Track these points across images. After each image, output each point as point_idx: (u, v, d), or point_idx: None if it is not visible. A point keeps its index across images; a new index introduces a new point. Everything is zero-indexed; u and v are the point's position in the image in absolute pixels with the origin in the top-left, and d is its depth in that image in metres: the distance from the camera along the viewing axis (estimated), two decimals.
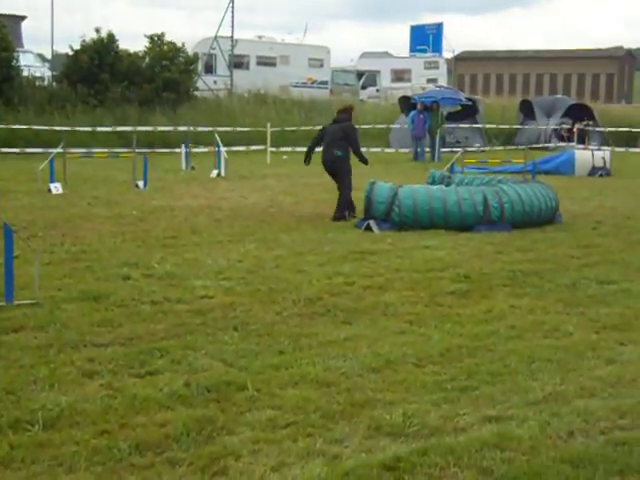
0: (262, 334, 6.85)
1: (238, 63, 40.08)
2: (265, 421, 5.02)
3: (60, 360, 6.04)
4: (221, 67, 39.25)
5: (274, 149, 27.90)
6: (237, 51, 39.23)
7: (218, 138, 22.50)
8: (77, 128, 26.71)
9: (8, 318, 7.07)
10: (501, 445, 4.66)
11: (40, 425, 4.83)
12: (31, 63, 34.05)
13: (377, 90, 46.63)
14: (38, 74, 32.98)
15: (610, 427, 4.95)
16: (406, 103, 31.99)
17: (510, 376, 5.87)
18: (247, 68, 41.13)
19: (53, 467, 4.38)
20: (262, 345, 6.56)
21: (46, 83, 32.75)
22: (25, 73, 31.70)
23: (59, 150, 18.40)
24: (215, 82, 37.91)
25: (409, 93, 36.02)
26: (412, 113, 28.97)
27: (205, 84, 36.60)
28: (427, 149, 28.60)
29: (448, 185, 13.97)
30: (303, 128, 31.81)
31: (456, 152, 23.66)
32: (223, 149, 21.81)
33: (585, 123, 33.68)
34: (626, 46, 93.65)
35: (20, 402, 5.20)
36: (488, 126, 33.79)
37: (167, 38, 33.64)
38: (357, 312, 7.62)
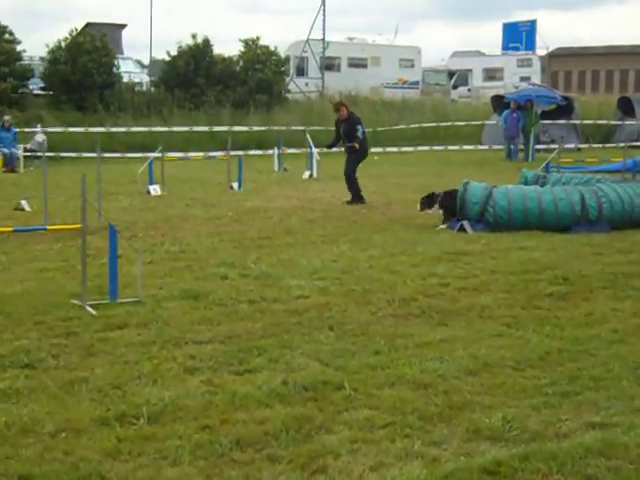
0: (357, 334, 6.88)
1: (329, 65, 40.28)
2: (363, 421, 5.04)
3: (162, 356, 6.19)
4: (312, 69, 39.51)
5: None
6: (328, 53, 39.44)
7: (310, 139, 22.64)
8: (174, 129, 27.25)
9: (113, 315, 7.29)
10: (606, 452, 4.54)
11: (145, 419, 4.97)
12: (130, 69, 34.90)
13: (468, 89, 46.18)
14: (137, 80, 33.81)
15: None
16: (499, 102, 31.62)
17: (614, 381, 5.73)
18: (338, 70, 41.27)
19: (158, 460, 4.49)
20: (358, 345, 6.58)
21: (144, 88, 33.54)
22: (125, 79, 32.55)
23: (157, 154, 18.82)
24: (307, 84, 38.19)
25: (501, 92, 35.57)
26: (505, 112, 28.62)
27: (297, 86, 36.89)
28: (521, 148, 28.21)
29: (543, 185, 13.75)
30: (394, 128, 31.82)
31: (551, 151, 23.27)
32: (315, 150, 21.93)
33: None
34: None
35: (125, 396, 5.36)
36: (584, 124, 33.11)
37: (261, 42, 34.10)
38: (452, 314, 7.57)
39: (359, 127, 16.44)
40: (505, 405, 5.29)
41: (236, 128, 28.32)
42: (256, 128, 28.93)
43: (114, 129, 27.77)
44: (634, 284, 8.75)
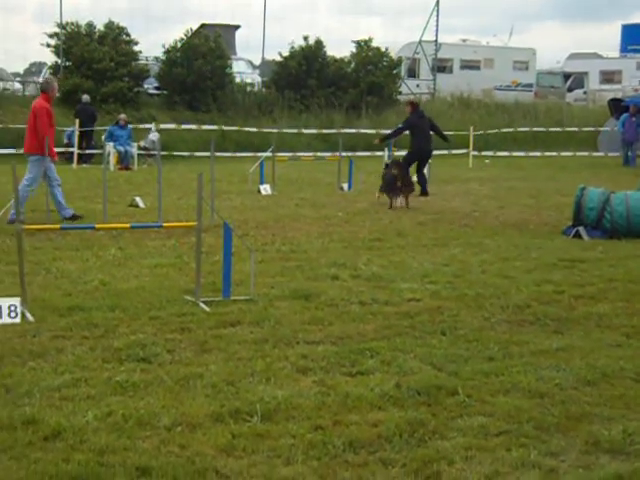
0: (470, 339, 6.78)
1: (441, 67, 39.98)
2: (477, 428, 4.96)
3: (275, 355, 6.24)
4: (424, 71, 39.29)
5: (476, 153, 27.62)
6: (441, 55, 39.13)
7: None
8: (285, 130, 27.54)
9: (226, 313, 7.40)
10: None
11: (259, 416, 5.01)
12: (243, 70, 35.40)
13: (584, 92, 45.09)
14: (249, 80, 34.28)
15: None
16: (616, 105, 30.78)
17: None
18: (450, 72, 40.91)
19: (271, 458, 4.52)
20: (471, 350, 6.49)
21: (256, 89, 33.98)
22: (237, 80, 33.04)
23: (268, 154, 19.04)
24: (418, 86, 37.99)
25: (619, 95, 34.60)
26: (623, 116, 27.86)
27: (408, 88, 36.74)
28: (639, 154, 27.39)
29: None
30: (505, 130, 31.34)
31: None
32: None
33: None
34: None
35: (239, 393, 5.41)
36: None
37: (373, 44, 34.11)
38: (569, 322, 7.39)
39: (401, 125, 17.72)
40: (625, 418, 5.12)
41: (346, 130, 28.41)
42: (365, 130, 28.93)
43: (226, 128, 28.22)
44: None
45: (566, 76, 45.88)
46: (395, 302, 7.99)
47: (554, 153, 29.86)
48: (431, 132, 17.29)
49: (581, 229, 11.94)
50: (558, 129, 32.32)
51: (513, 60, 42.87)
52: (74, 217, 12.88)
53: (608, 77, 47.04)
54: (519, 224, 13.29)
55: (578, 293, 8.44)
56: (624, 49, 52.51)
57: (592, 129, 32.04)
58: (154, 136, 26.25)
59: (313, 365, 6.02)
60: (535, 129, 32.07)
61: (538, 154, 29.72)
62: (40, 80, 22.80)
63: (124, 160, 25.12)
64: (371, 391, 5.50)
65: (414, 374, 5.88)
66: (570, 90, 44.85)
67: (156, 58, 33.61)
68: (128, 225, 10.81)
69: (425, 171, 17.63)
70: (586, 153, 29.84)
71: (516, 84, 41.98)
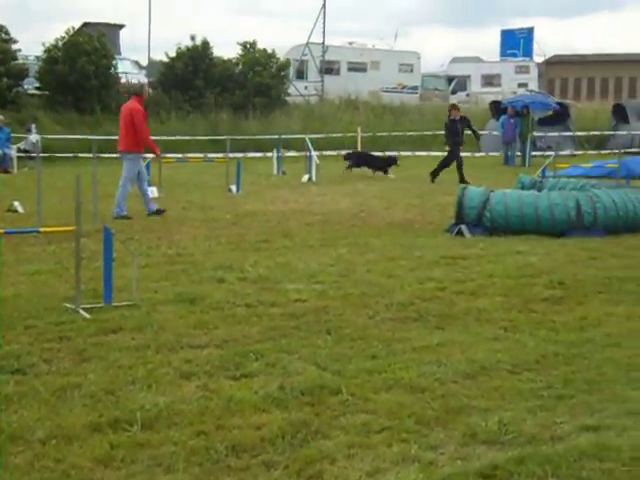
0: (355, 338, 6.86)
1: (329, 69, 40.34)
2: (359, 425, 5.02)
3: (157, 361, 6.16)
4: (312, 73, 39.56)
5: None
6: (328, 57, 39.50)
7: (309, 143, 22.67)
8: (172, 130, 27.23)
9: (107, 319, 7.26)
10: (600, 455, 4.55)
11: (139, 425, 4.93)
12: (128, 70, 34.89)
13: (467, 95, 46.22)
14: (135, 81, 33.79)
15: None
16: (497, 108, 31.66)
17: (607, 385, 5.73)
18: (338, 74, 41.32)
19: (152, 467, 4.45)
20: (355, 349, 6.56)
21: None
22: (123, 80, 32.54)
23: (154, 155, 18.76)
24: (306, 88, 38.25)
25: (499, 98, 35.61)
26: (502, 118, 28.69)
27: (296, 90, 36.91)
28: (518, 154, 28.23)
29: (539, 190, 13.75)
30: (394, 133, 31.81)
31: (547, 157, 23.28)
32: (314, 154, 21.96)
33: None
34: None
35: (119, 402, 5.32)
36: (579, 132, 33.13)
37: (259, 45, 34.15)
38: (450, 317, 7.56)
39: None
40: (501, 408, 5.27)
41: (235, 131, 28.32)
42: (254, 131, 28.93)
43: (109, 137, 27.70)
44: (628, 288, 8.75)
45: (449, 79, 46.99)
46: (281, 303, 8.01)
47: (439, 153, 30.41)
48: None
49: (463, 227, 12.24)
50: (443, 131, 32.91)
51: (399, 63, 43.62)
52: (159, 212, 14.03)
53: (489, 80, 48.41)
54: (404, 223, 13.52)
55: (459, 289, 8.64)
56: (504, 53, 54.15)
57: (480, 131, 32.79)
58: (34, 138, 25.55)
59: (197, 370, 5.97)
60: (423, 132, 32.59)
61: (424, 154, 30.24)
62: None
63: (3, 163, 24.38)
64: (255, 394, 5.50)
65: (298, 375, 5.91)
66: (454, 92, 45.95)
67: (37, 57, 32.72)
68: (1, 230, 10.48)
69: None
70: (469, 153, 30.50)
71: (402, 86, 42.71)
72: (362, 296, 8.28)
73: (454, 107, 22.08)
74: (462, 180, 19.37)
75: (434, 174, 20.93)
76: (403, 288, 8.66)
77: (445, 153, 21.47)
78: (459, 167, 20.50)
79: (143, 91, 14.18)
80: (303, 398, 5.45)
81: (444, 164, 21.04)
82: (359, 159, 23.45)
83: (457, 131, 20.82)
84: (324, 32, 38.50)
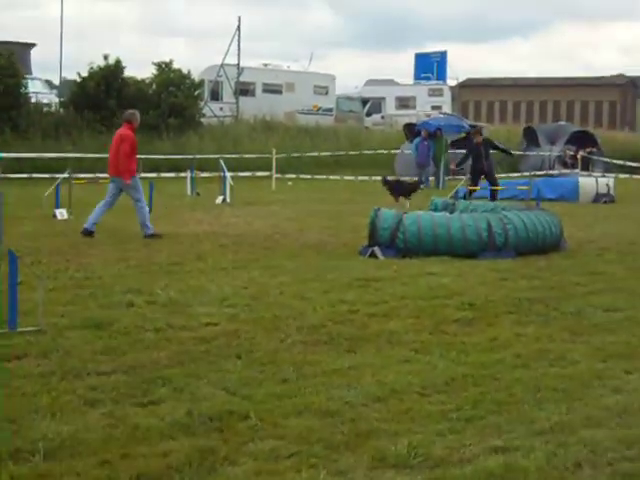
0: (265, 362, 6.80)
1: (244, 90, 40.34)
2: (268, 451, 4.96)
3: (62, 388, 5.98)
4: (227, 94, 39.50)
5: (280, 175, 27.97)
6: (243, 78, 39.50)
7: (223, 164, 22.58)
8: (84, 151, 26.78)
9: (11, 345, 7.03)
10: (507, 476, 4.58)
11: (41, 455, 4.76)
12: (39, 90, 34.26)
13: (382, 117, 46.79)
14: (46, 100, 33.23)
15: (617, 458, 4.87)
16: (411, 130, 32.09)
17: (516, 405, 5.80)
18: (253, 95, 41.37)
19: None
20: (265, 373, 6.50)
21: (53, 109, 32.96)
22: (33, 100, 31.92)
23: (65, 176, 18.46)
24: (221, 109, 38.14)
25: (414, 120, 36.12)
26: (416, 140, 29.08)
27: (211, 111, 36.78)
28: (431, 176, 28.62)
29: (452, 212, 13.94)
30: (308, 154, 31.92)
31: (460, 179, 23.68)
32: (228, 175, 21.88)
33: (589, 150, 33.74)
34: (627, 74, 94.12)
35: (21, 431, 5.14)
36: (493, 152, 33.75)
37: (174, 65, 33.94)
38: (361, 340, 7.56)
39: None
40: (411, 431, 5.28)
41: (148, 151, 27.98)
42: (168, 152, 28.66)
43: (23, 155, 27.10)
44: (537, 309, 8.91)
45: (364, 101, 47.49)
46: (191, 327, 7.90)
47: (354, 177, 30.64)
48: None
49: (376, 249, 12.30)
50: (357, 152, 33.25)
51: (313, 85, 43.92)
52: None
53: (403, 103, 49.16)
54: (318, 245, 13.53)
55: (371, 311, 8.66)
56: (418, 76, 55.07)
57: (390, 152, 33.17)
58: None
59: (102, 397, 5.82)
60: (336, 152, 32.79)
61: (338, 177, 30.40)
62: None
63: None
64: (162, 420, 5.38)
65: (207, 400, 5.81)
66: (369, 115, 46.45)
67: None
68: None
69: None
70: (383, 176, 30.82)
71: (317, 108, 42.99)
72: (274, 319, 8.23)
73: (478, 132, 22.20)
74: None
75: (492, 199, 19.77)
76: (315, 311, 8.64)
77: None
78: (470, 193, 20.42)
79: (134, 119, 14.63)
80: (211, 424, 5.36)
81: (492, 190, 20.52)
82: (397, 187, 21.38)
83: (480, 156, 20.51)
84: (239, 53, 38.50)
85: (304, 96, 42.69)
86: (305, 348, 7.28)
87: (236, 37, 38.25)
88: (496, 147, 21.81)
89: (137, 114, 14.94)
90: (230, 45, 38.39)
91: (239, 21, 38.17)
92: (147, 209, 14.71)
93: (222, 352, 7.07)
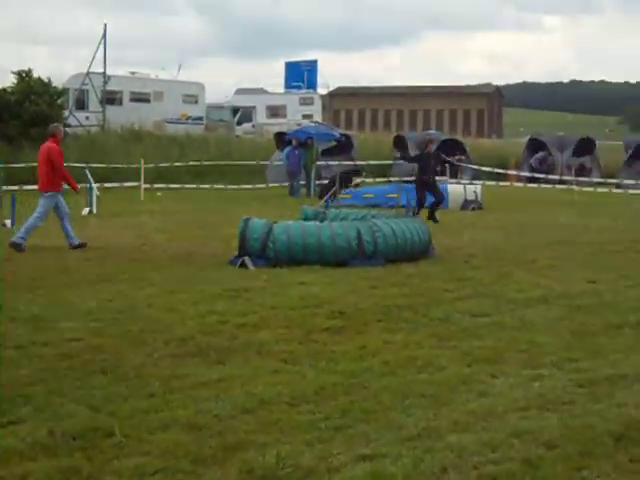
0: (132, 377, 6.63)
1: (111, 99, 39.54)
2: (133, 468, 4.82)
3: None
4: (93, 103, 38.61)
5: (148, 186, 27.53)
6: (110, 87, 38.71)
7: (89, 174, 22.05)
8: None
9: None
10: None
11: None
12: None
13: (253, 126, 46.76)
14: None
15: (482, 462, 4.96)
16: (281, 139, 32.17)
17: (384, 413, 5.84)
18: (120, 104, 40.59)
19: None
20: (131, 388, 6.34)
21: None
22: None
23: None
24: (87, 118, 37.27)
25: (284, 129, 36.24)
26: (287, 149, 29.15)
27: (77, 120, 35.91)
28: (302, 184, 28.74)
29: (322, 221, 14.02)
30: (177, 164, 31.54)
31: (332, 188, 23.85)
32: (95, 186, 21.38)
33: (457, 157, 34.64)
34: (493, 83, 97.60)
35: None
36: (364, 160, 34.26)
37: (36, 74, 32.95)
38: (231, 351, 7.49)
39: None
40: (280, 442, 5.24)
41: (11, 162, 27.08)
42: (31, 162, 27.76)
43: None
44: (406, 316, 9.03)
45: (234, 110, 47.35)
46: (55, 343, 7.64)
47: (224, 186, 30.49)
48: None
49: (246, 259, 12.23)
50: (228, 162, 33.10)
51: (182, 94, 43.47)
52: (80, 245, 14.23)
53: (274, 112, 49.29)
54: (187, 256, 13.35)
55: (241, 322, 8.58)
56: (288, 85, 55.34)
57: (259, 162, 33.18)
58: None
59: None
60: (206, 162, 32.55)
61: (208, 186, 30.20)
62: None
63: None
64: (22, 441, 5.17)
65: (70, 418, 5.62)
66: (239, 124, 46.32)
67: None
68: None
69: None
70: (255, 185, 30.83)
71: (186, 117, 42.59)
72: (141, 333, 8.05)
73: (431, 141, 21.75)
74: (432, 217, 19.10)
75: (432, 217, 19.27)
76: (184, 323, 8.50)
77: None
78: (420, 205, 19.85)
79: (57, 131, 14.84)
80: (74, 443, 5.19)
81: (436, 202, 19.90)
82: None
83: (428, 167, 19.94)
84: (105, 61, 37.72)
85: (173, 105, 42.23)
86: (173, 361, 7.15)
87: (102, 45, 37.45)
88: (445, 160, 21.72)
89: (60, 127, 15.34)
90: (96, 53, 37.60)
91: (105, 28, 37.42)
92: (37, 226, 14.54)
93: (87, 368, 6.86)
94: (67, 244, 14.36)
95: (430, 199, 19.95)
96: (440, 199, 20.01)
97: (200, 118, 43.91)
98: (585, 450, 5.15)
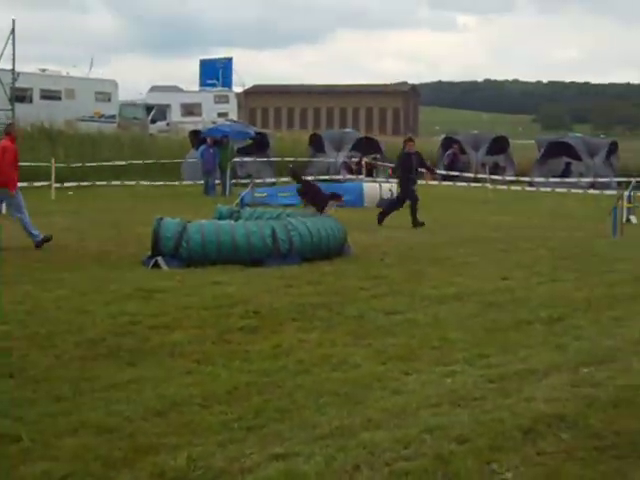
0: (40, 380, 6.47)
1: (20, 97, 38.58)
2: (40, 474, 4.71)
3: None
4: (2, 100, 37.63)
5: (59, 185, 26.98)
6: (19, 84, 37.75)
7: None
8: None
9: None
10: None
11: None
12: None
13: (167, 124, 46.28)
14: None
15: (395, 458, 4.99)
16: (196, 137, 31.92)
17: (298, 412, 5.82)
18: (30, 102, 39.69)
19: None
20: (39, 392, 6.18)
21: None
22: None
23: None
24: None
25: (200, 127, 35.96)
26: (202, 147, 28.93)
27: None
28: (218, 182, 28.55)
29: (237, 219, 13.93)
30: (89, 164, 30.98)
31: (247, 186, 23.77)
32: None
33: (373, 156, 34.94)
34: (409, 81, 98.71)
35: None
36: (279, 159, 34.22)
37: None
38: (142, 353, 7.37)
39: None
40: (191, 444, 5.17)
41: None
42: None
43: None
44: (321, 315, 9.03)
45: (148, 108, 46.80)
46: None
47: (139, 183, 30.07)
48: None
49: (160, 259, 12.07)
50: (142, 160, 32.66)
51: (95, 91, 42.74)
52: (45, 239, 14.30)
53: (189, 109, 48.91)
54: (99, 256, 13.10)
55: (153, 323, 8.45)
56: (203, 83, 54.99)
57: (175, 160, 32.85)
58: None
59: None
60: (116, 162, 31.98)
61: (121, 184, 29.75)
62: None
63: None
64: None
65: None
66: (153, 122, 45.79)
67: None
68: None
69: None
70: (171, 183, 30.49)
71: (99, 115, 41.90)
72: (50, 335, 7.85)
73: (410, 140, 20.31)
74: (415, 222, 18.35)
75: (382, 216, 18.75)
76: (95, 324, 8.33)
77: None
78: (413, 206, 18.63)
79: (12, 130, 15.01)
80: None
81: (394, 204, 19.25)
82: None
83: (411, 167, 18.93)
84: (14, 58, 36.80)
85: (85, 103, 41.47)
86: (83, 363, 7.00)
87: (11, 41, 36.53)
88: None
89: (15, 125, 15.72)
90: (4, 49, 36.64)
91: (13, 24, 36.49)
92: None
93: None
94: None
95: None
96: (400, 203, 19.05)
97: (113, 116, 43.27)
98: (495, 444, 5.22)
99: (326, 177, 32.56)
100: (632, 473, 4.92)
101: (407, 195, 18.80)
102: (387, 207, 19.40)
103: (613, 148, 35.13)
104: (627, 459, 5.11)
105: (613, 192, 26.77)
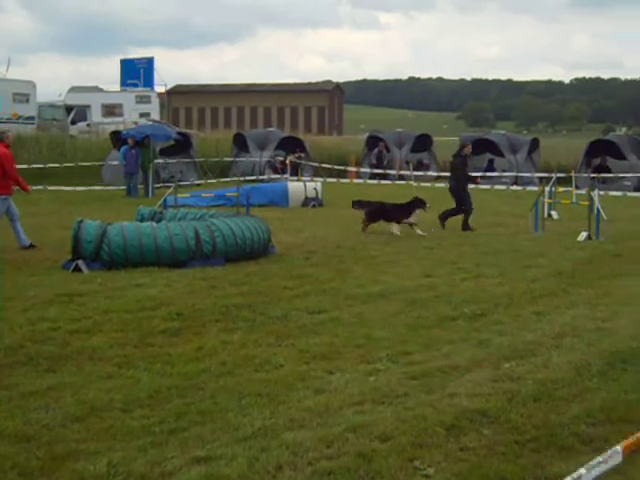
0: None
1: None
2: None
3: None
4: None
5: None
6: None
7: None
8: None
9: None
10: None
11: None
12: None
13: (88, 125, 45.52)
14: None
15: (317, 457, 5.00)
16: (117, 138, 31.46)
17: (220, 414, 5.79)
18: None
19: None
20: None
21: None
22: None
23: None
24: None
25: (121, 128, 35.47)
26: (123, 148, 28.51)
27: None
28: (140, 185, 28.19)
29: (159, 221, 13.79)
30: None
31: (170, 187, 23.52)
32: None
33: (297, 155, 34.93)
34: (333, 80, 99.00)
35: None
36: (203, 160, 33.97)
37: None
38: (62, 359, 7.24)
39: None
40: (111, 450, 5.10)
41: None
42: None
43: None
44: (244, 315, 9.00)
45: (68, 109, 45.96)
46: None
47: (59, 187, 29.50)
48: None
49: (80, 262, 11.86)
50: (62, 163, 32.07)
51: (12, 92, 41.74)
52: (31, 246, 14.61)
53: (110, 110, 48.14)
54: (18, 261, 12.81)
55: (74, 328, 8.32)
56: (124, 83, 54.28)
57: (96, 163, 32.34)
58: None
59: None
60: (33, 165, 31.27)
61: (41, 188, 29.12)
62: None
63: None
64: None
65: None
66: (73, 123, 44.97)
67: None
68: None
69: None
70: (92, 186, 29.99)
71: (17, 117, 40.98)
72: None
73: (468, 144, 19.23)
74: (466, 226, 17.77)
75: (465, 226, 17.81)
76: (13, 331, 8.15)
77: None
78: (467, 212, 17.93)
79: (4, 137, 15.09)
80: None
81: (464, 210, 18.00)
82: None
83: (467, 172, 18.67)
84: None
85: (2, 104, 40.53)
86: (0, 371, 6.83)
87: None
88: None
89: (7, 132, 15.56)
90: None
91: None
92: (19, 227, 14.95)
93: None
94: (18, 245, 14.66)
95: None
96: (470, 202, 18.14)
97: (32, 117, 42.33)
98: (417, 441, 5.27)
99: (252, 177, 32.47)
100: (551, 466, 5.01)
101: (467, 198, 18.11)
102: (462, 216, 18.08)
103: (535, 145, 35.76)
104: (546, 452, 5.21)
105: (535, 188, 27.29)
